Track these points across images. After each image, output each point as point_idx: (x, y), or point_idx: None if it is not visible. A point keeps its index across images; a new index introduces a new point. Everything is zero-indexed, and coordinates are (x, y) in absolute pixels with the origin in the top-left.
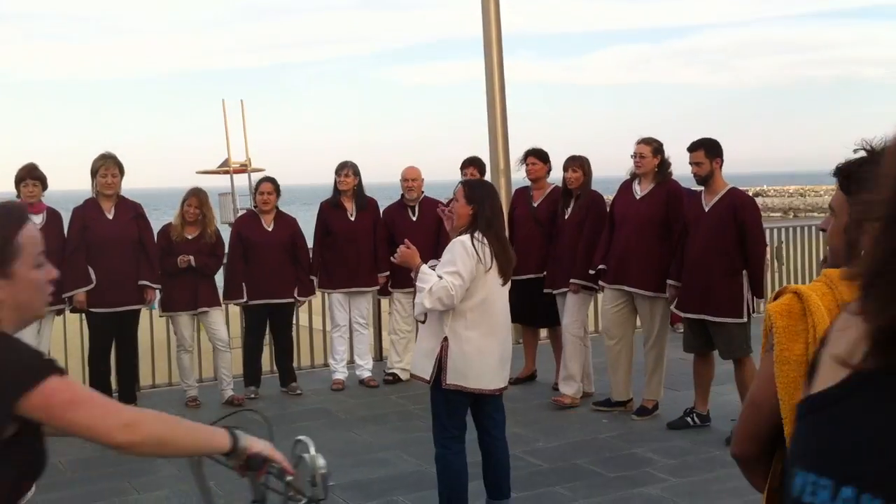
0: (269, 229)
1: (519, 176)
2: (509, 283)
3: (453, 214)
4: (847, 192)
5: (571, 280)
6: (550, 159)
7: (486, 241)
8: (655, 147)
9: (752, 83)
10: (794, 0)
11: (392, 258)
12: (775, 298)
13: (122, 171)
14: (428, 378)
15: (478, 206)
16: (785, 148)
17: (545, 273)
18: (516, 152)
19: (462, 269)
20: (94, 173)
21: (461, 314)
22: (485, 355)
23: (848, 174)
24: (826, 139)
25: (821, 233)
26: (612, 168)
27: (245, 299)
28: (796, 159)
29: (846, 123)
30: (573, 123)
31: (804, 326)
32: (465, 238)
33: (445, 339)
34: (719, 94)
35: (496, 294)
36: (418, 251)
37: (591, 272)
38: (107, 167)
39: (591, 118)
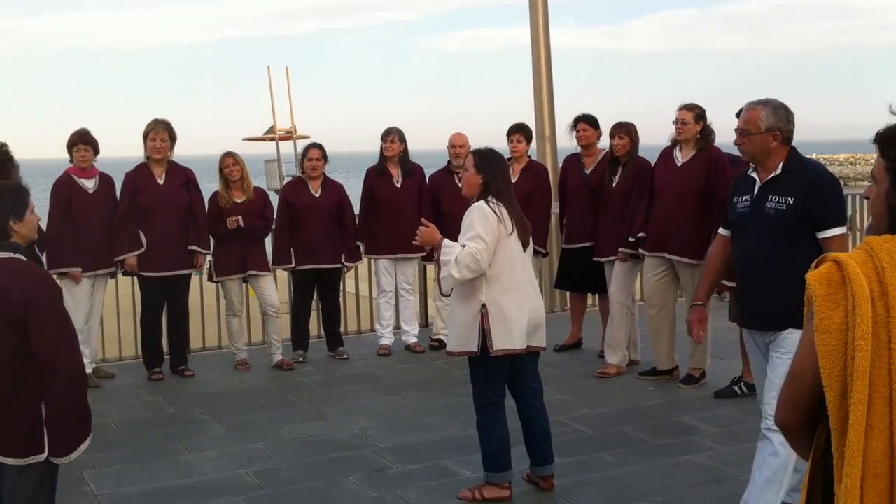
0: (317, 195)
1: (565, 143)
2: (530, 251)
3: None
4: (886, 159)
5: (620, 249)
6: (600, 124)
7: (501, 204)
8: (698, 113)
9: (799, 49)
10: None
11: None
12: (815, 267)
13: (172, 137)
14: (476, 349)
15: (487, 174)
16: (834, 115)
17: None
18: (561, 119)
19: (483, 232)
20: (145, 137)
21: (495, 279)
22: (525, 316)
23: (887, 140)
24: (876, 107)
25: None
26: (654, 136)
27: (293, 264)
28: (846, 127)
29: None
30: (615, 91)
31: (843, 295)
32: (481, 203)
33: (483, 305)
34: (765, 61)
35: (519, 259)
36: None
37: (631, 240)
38: (157, 131)
39: (634, 85)
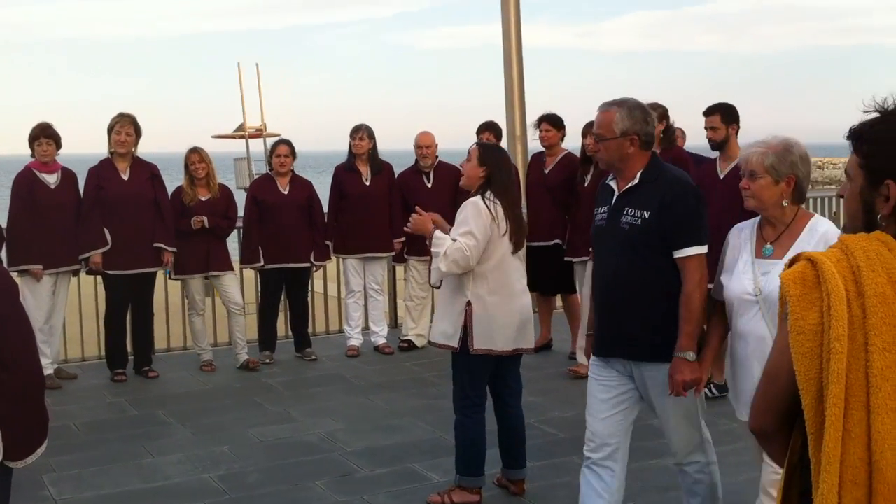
0: (285, 192)
1: (535, 144)
2: (523, 253)
3: (463, 174)
4: (860, 154)
5: (591, 248)
6: (565, 125)
7: (498, 202)
8: (660, 113)
9: (771, 51)
10: None
11: (405, 227)
12: (789, 266)
13: (138, 132)
14: (456, 345)
15: (490, 169)
16: (803, 117)
17: (560, 241)
18: (533, 118)
19: (475, 228)
20: (109, 131)
21: (482, 277)
22: (510, 317)
23: (859, 135)
24: (845, 109)
25: (840, 200)
26: None
27: (262, 263)
28: (814, 130)
29: (866, 93)
30: (590, 91)
31: (818, 295)
32: (477, 199)
33: (468, 303)
34: (738, 62)
35: (509, 260)
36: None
37: None
38: (122, 125)
39: (608, 85)
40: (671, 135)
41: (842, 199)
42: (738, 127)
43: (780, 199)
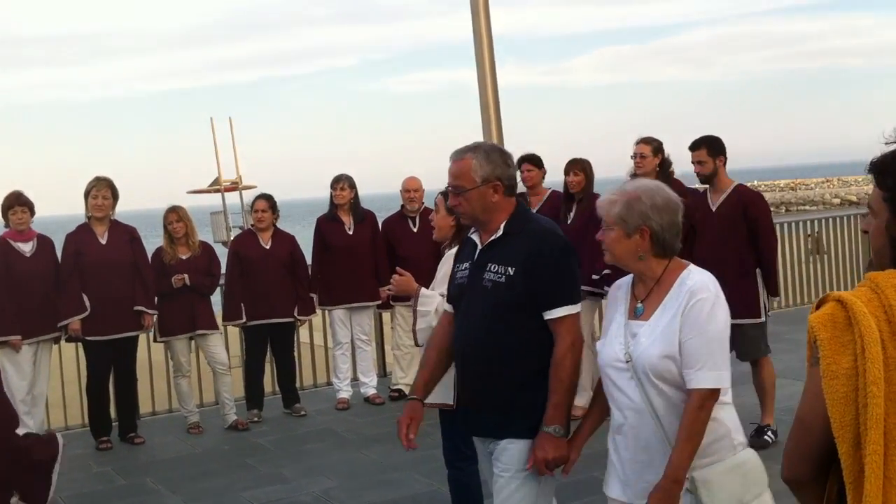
0: (267, 247)
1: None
2: None
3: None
4: (884, 188)
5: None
6: (544, 164)
7: None
8: (655, 146)
9: (738, 78)
10: None
11: (387, 290)
12: (817, 307)
13: (115, 195)
14: (452, 402)
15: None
16: (773, 142)
17: None
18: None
19: None
20: (86, 195)
21: None
22: None
23: (882, 169)
24: (814, 132)
25: (864, 234)
26: (603, 169)
27: (244, 320)
28: (785, 153)
29: (833, 115)
30: (562, 126)
31: (850, 337)
32: (454, 251)
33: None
34: (707, 90)
35: None
36: (422, 262)
37: (595, 277)
38: (98, 188)
39: (580, 120)
40: (667, 168)
41: (865, 235)
42: (726, 158)
43: (636, 253)
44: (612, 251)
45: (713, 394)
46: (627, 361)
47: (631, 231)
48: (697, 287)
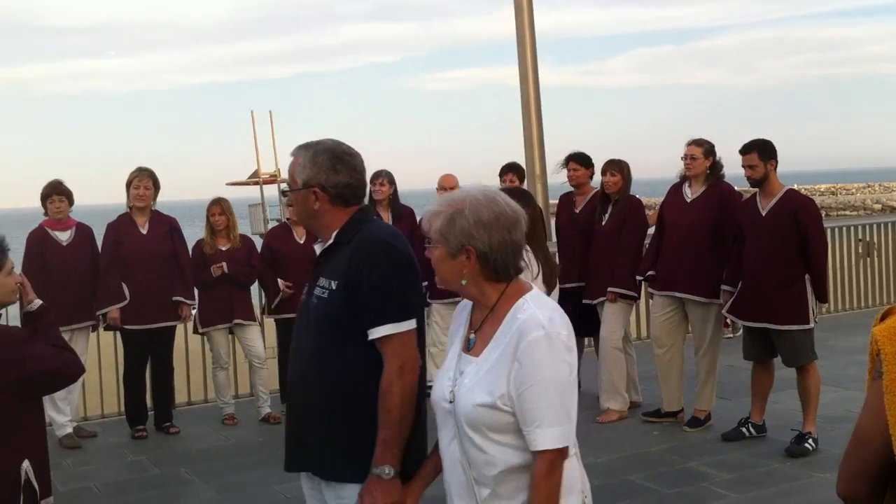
0: (301, 242)
1: (556, 180)
2: (555, 295)
3: None
4: None
5: (609, 289)
6: (593, 163)
7: (528, 247)
8: (707, 148)
9: (774, 83)
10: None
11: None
12: (881, 320)
13: (156, 186)
14: None
15: None
16: (810, 147)
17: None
18: (551, 157)
19: None
20: (128, 185)
21: None
22: None
23: None
24: (851, 138)
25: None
26: (636, 171)
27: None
28: (822, 158)
29: (870, 121)
30: (596, 127)
31: None
32: None
33: None
34: (744, 94)
35: None
36: None
37: (640, 279)
38: (140, 179)
39: (614, 121)
40: (718, 171)
41: None
42: (777, 162)
43: (460, 276)
44: (438, 272)
45: (561, 453)
46: (451, 402)
47: (454, 250)
48: (527, 325)
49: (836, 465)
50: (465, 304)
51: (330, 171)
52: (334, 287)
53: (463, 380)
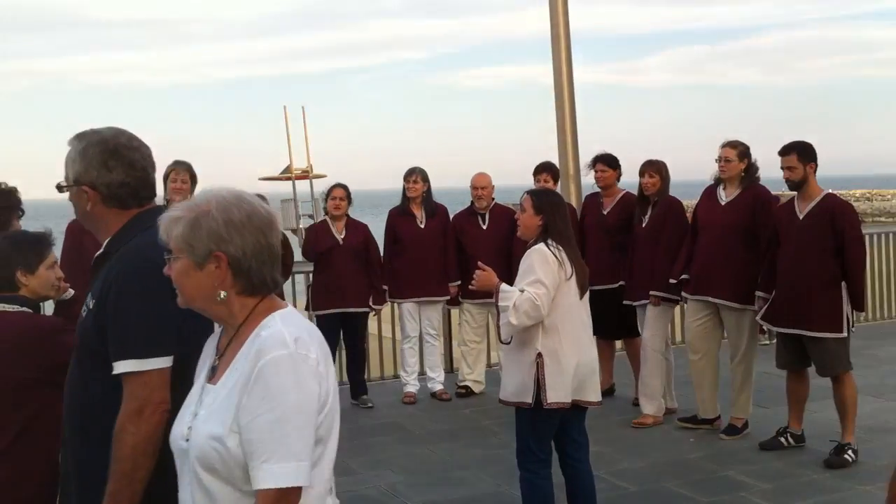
0: (341, 236)
1: (588, 181)
2: (587, 298)
3: (519, 225)
4: None
5: (651, 292)
6: (620, 164)
7: (561, 248)
8: (741, 150)
9: (811, 84)
10: (852, 0)
11: (470, 286)
12: None
13: (193, 179)
14: (530, 401)
15: (547, 216)
16: (846, 151)
17: (621, 283)
18: (585, 156)
19: (543, 276)
20: (165, 179)
21: (552, 326)
22: (581, 367)
23: None
24: (889, 142)
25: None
26: (670, 172)
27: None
28: (858, 162)
29: None
30: (631, 126)
31: None
32: (540, 245)
33: (539, 355)
34: (777, 95)
35: (576, 306)
36: (489, 259)
37: (673, 282)
38: (177, 172)
39: (648, 121)
40: (753, 173)
41: None
42: (816, 165)
43: (214, 290)
44: (181, 289)
45: (289, 494)
46: (187, 440)
47: (201, 259)
48: (269, 343)
49: (876, 477)
50: (217, 333)
51: (101, 168)
52: (91, 306)
53: (201, 417)
